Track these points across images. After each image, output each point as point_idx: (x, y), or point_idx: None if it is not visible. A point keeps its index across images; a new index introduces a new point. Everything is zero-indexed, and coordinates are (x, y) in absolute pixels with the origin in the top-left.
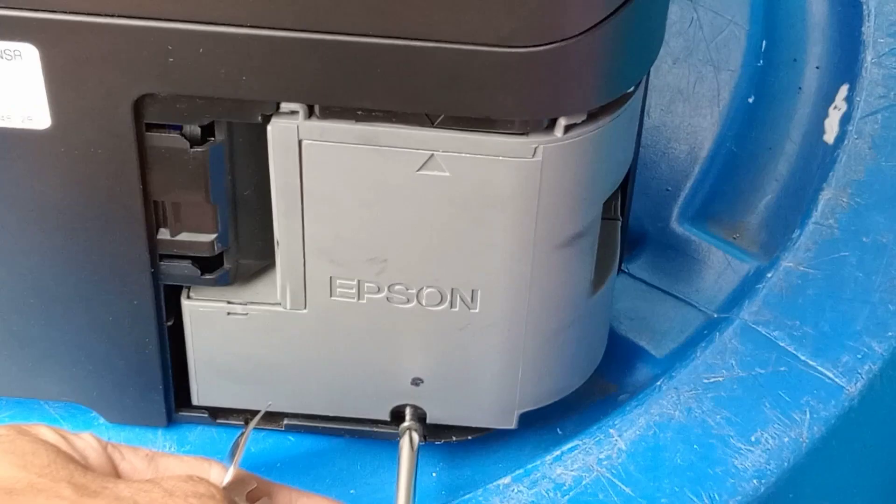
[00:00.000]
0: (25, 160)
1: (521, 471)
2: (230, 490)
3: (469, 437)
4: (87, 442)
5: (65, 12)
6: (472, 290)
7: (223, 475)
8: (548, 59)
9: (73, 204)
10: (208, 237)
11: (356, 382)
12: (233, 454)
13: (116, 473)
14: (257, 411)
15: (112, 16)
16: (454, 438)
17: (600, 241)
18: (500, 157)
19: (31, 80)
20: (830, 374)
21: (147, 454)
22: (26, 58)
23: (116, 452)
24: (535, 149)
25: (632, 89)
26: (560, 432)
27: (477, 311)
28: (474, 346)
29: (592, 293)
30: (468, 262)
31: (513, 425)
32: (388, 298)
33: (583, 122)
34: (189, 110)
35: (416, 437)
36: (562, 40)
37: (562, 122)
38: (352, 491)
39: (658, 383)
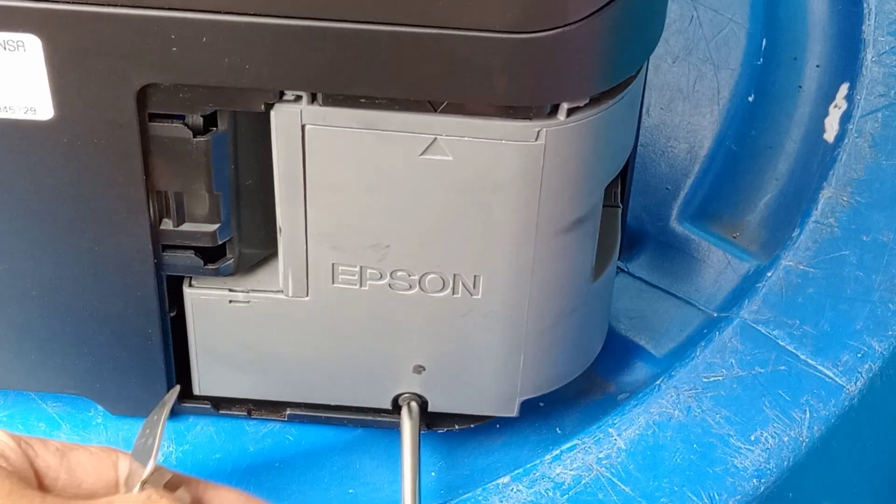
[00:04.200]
0: (28, 151)
1: (521, 470)
2: (149, 481)
3: (472, 426)
4: (4, 442)
5: (68, 2)
6: (475, 276)
7: (127, 464)
8: (550, 44)
9: (75, 195)
10: (211, 227)
11: (358, 370)
12: (144, 446)
13: (35, 471)
14: (260, 401)
15: (115, 5)
16: (456, 427)
17: (601, 228)
18: (503, 141)
19: (34, 71)
20: (830, 374)
21: (57, 448)
22: (29, 48)
23: (30, 449)
24: (538, 133)
25: (633, 74)
26: (559, 431)
27: (479, 297)
28: (476, 333)
29: (593, 280)
30: (470, 248)
31: (514, 413)
32: (390, 285)
33: (585, 106)
34: (192, 100)
35: (415, 406)
36: (564, 26)
37: (564, 106)
38: (350, 490)
39: (658, 382)
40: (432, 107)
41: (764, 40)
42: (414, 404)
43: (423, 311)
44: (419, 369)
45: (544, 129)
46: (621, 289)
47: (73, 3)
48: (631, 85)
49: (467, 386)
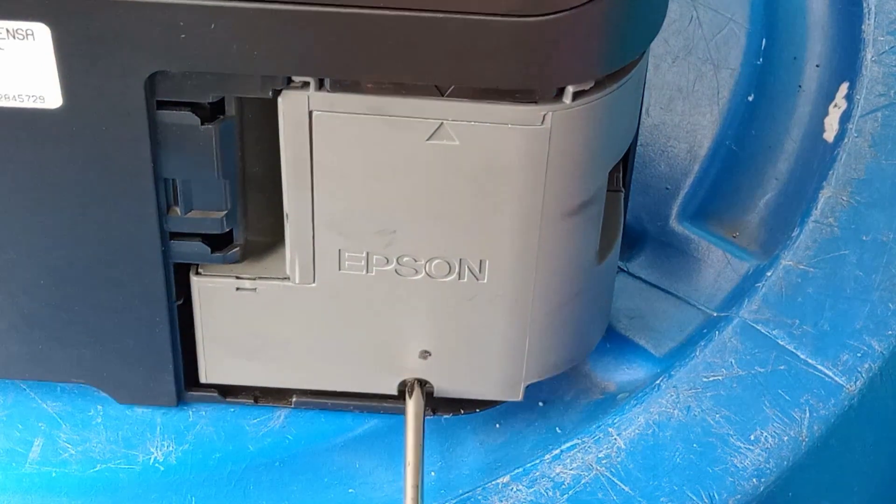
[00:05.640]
0: (37, 140)
1: (521, 469)
2: None
3: (477, 410)
4: None
5: None
6: (481, 261)
7: None
8: (556, 27)
9: (83, 183)
10: (218, 214)
11: (364, 356)
12: None
13: None
14: (266, 388)
15: None
16: (462, 411)
17: (604, 212)
18: (510, 125)
19: (43, 60)
20: (830, 373)
21: None
22: (38, 37)
23: None
24: (544, 116)
25: (637, 56)
26: (559, 431)
27: (485, 281)
28: (482, 317)
29: (598, 263)
30: (477, 232)
31: (519, 397)
32: (396, 271)
33: (590, 89)
34: (200, 87)
35: (420, 390)
36: (570, 9)
37: (570, 89)
38: (350, 490)
39: (657, 382)
40: (439, 91)
41: (764, 40)
42: (419, 389)
43: (430, 296)
44: (425, 354)
45: (550, 113)
46: (621, 288)
47: None
48: (635, 68)
49: (473, 370)
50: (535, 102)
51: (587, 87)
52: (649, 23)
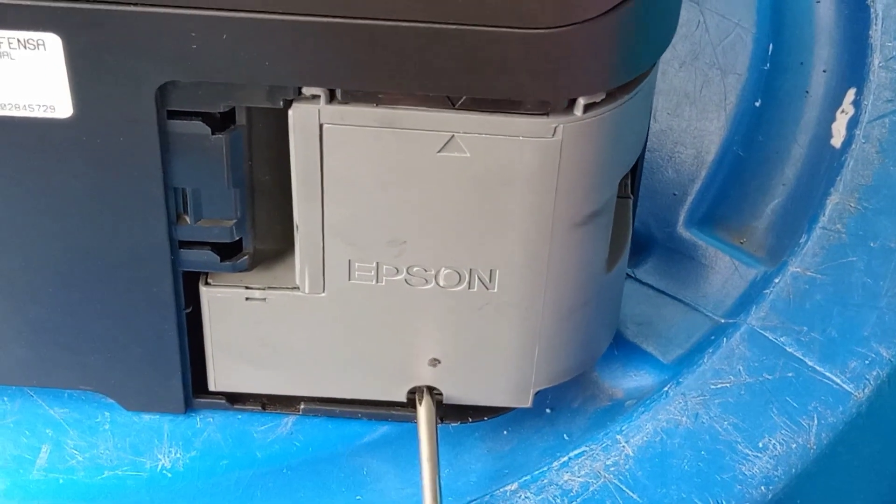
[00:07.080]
0: (47, 149)
1: (528, 477)
2: None
3: (485, 418)
4: None
5: (88, 1)
6: (491, 270)
7: None
8: (568, 39)
9: (93, 192)
10: (228, 223)
11: (374, 365)
12: None
13: None
14: (274, 395)
15: (135, 4)
16: (470, 419)
17: (613, 219)
18: (521, 138)
19: (54, 70)
20: (838, 380)
21: None
22: (50, 47)
23: None
24: (555, 128)
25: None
26: (567, 438)
27: (495, 290)
28: (492, 326)
29: (607, 271)
30: (487, 243)
31: (528, 404)
32: (406, 280)
33: (601, 101)
34: (211, 96)
35: (431, 397)
36: (582, 21)
37: (581, 101)
38: (358, 497)
39: (665, 389)
40: (450, 103)
41: (771, 45)
42: (428, 396)
43: (440, 305)
44: (435, 362)
45: (561, 125)
46: (628, 295)
47: (94, 1)
48: (645, 80)
49: (482, 378)
50: (547, 114)
51: (598, 99)
52: (660, 35)
